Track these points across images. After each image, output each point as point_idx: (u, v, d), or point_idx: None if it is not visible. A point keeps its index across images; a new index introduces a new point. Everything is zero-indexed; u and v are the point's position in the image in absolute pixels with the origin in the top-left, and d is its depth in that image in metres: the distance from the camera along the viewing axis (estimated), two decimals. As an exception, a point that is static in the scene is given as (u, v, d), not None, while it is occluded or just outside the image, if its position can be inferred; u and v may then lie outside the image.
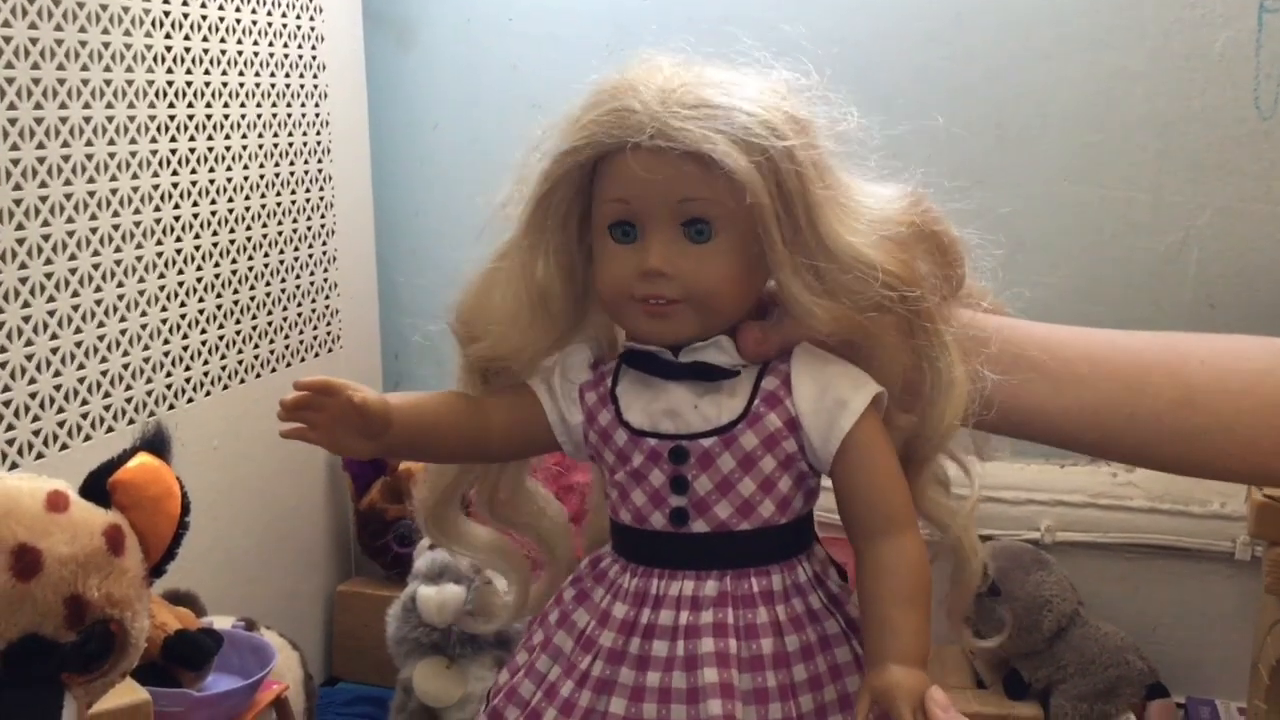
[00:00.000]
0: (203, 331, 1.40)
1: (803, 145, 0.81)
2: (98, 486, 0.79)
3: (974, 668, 1.61)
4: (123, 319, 1.26)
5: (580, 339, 0.90)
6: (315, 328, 1.65)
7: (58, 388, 1.17)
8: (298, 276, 1.60)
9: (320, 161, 1.65)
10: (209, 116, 1.39)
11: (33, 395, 1.14)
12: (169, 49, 1.32)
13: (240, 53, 1.45)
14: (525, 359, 0.88)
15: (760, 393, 0.86)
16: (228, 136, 1.43)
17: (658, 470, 0.86)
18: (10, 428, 1.11)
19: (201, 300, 1.39)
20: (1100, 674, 1.51)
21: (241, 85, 1.45)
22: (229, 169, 1.43)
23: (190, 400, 1.38)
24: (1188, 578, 1.63)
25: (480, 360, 0.88)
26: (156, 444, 0.83)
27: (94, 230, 1.21)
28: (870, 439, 0.87)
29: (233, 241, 1.45)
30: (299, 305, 1.61)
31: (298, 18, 1.57)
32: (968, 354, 0.85)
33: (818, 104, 0.81)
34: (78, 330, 1.19)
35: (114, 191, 1.24)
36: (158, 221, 1.31)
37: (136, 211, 1.27)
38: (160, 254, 1.31)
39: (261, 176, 1.50)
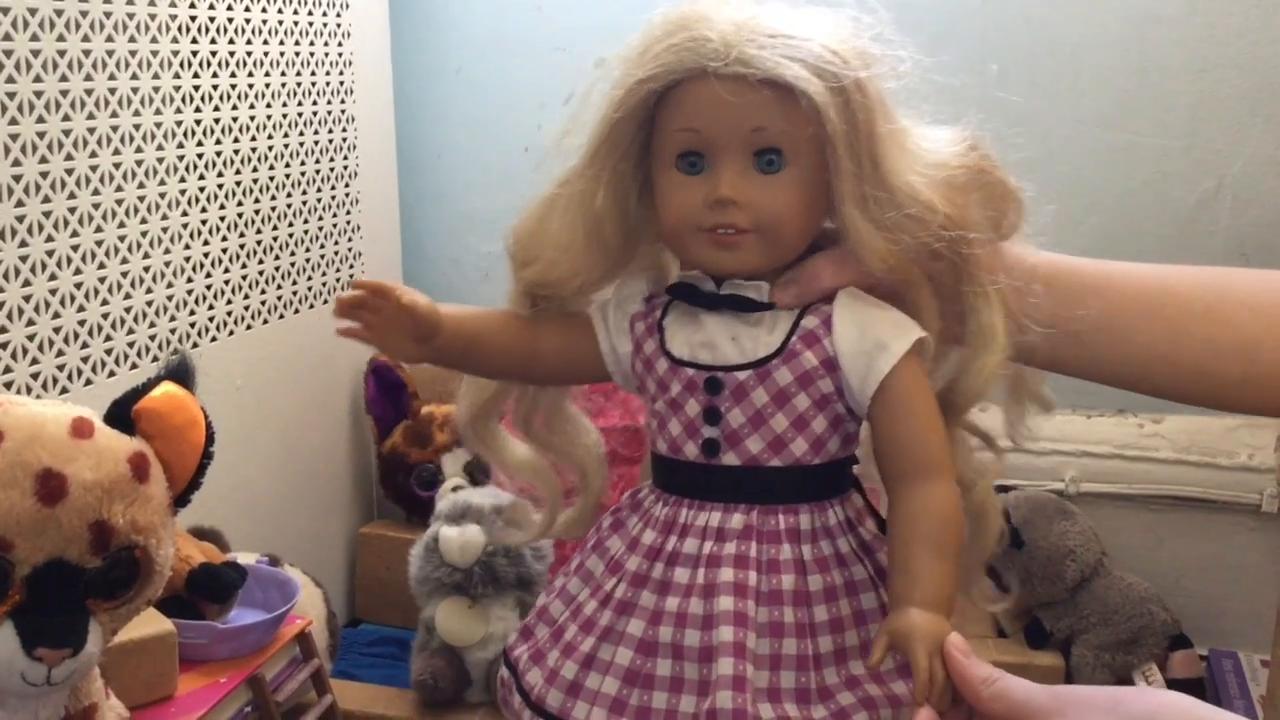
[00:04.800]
0: (225, 270, 1.39)
1: (871, 79, 0.81)
2: (122, 415, 0.79)
3: (995, 616, 1.61)
4: (146, 255, 1.25)
5: (635, 272, 0.91)
6: (338, 269, 1.65)
7: (81, 323, 1.17)
8: (320, 218, 1.59)
9: (343, 102, 1.63)
10: (232, 54, 1.38)
11: (56, 330, 1.14)
12: (192, -17, 1.31)
13: (263, -11, 1.44)
14: (574, 287, 0.88)
15: (799, 330, 0.86)
16: (250, 74, 1.42)
17: (693, 400, 0.87)
18: (35, 361, 1.11)
19: (224, 239, 1.39)
20: (1123, 624, 1.50)
21: (265, 22, 1.44)
22: (252, 107, 1.42)
23: (214, 339, 1.38)
24: (1213, 529, 1.62)
25: (532, 284, 0.88)
26: (181, 374, 0.83)
27: (117, 165, 1.21)
28: (909, 384, 0.86)
29: (255, 180, 1.44)
30: (321, 247, 1.60)
31: (321, -45, 1.56)
32: (1013, 304, 0.84)
33: (880, 44, 0.81)
34: (101, 266, 1.19)
35: (137, 127, 1.23)
36: (180, 158, 1.30)
37: (160, 148, 1.27)
38: (183, 191, 1.31)
39: (284, 115, 1.49)
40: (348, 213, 1.67)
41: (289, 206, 1.51)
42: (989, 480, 0.89)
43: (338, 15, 1.61)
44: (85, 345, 1.17)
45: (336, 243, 1.64)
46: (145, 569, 0.77)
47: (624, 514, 0.90)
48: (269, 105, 1.46)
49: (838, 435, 0.88)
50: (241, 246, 1.42)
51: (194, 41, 1.31)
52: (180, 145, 1.30)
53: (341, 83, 1.63)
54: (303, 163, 1.54)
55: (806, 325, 0.87)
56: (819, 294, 0.87)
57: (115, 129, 1.20)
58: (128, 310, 1.23)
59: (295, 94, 1.51)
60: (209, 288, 1.36)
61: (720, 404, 0.86)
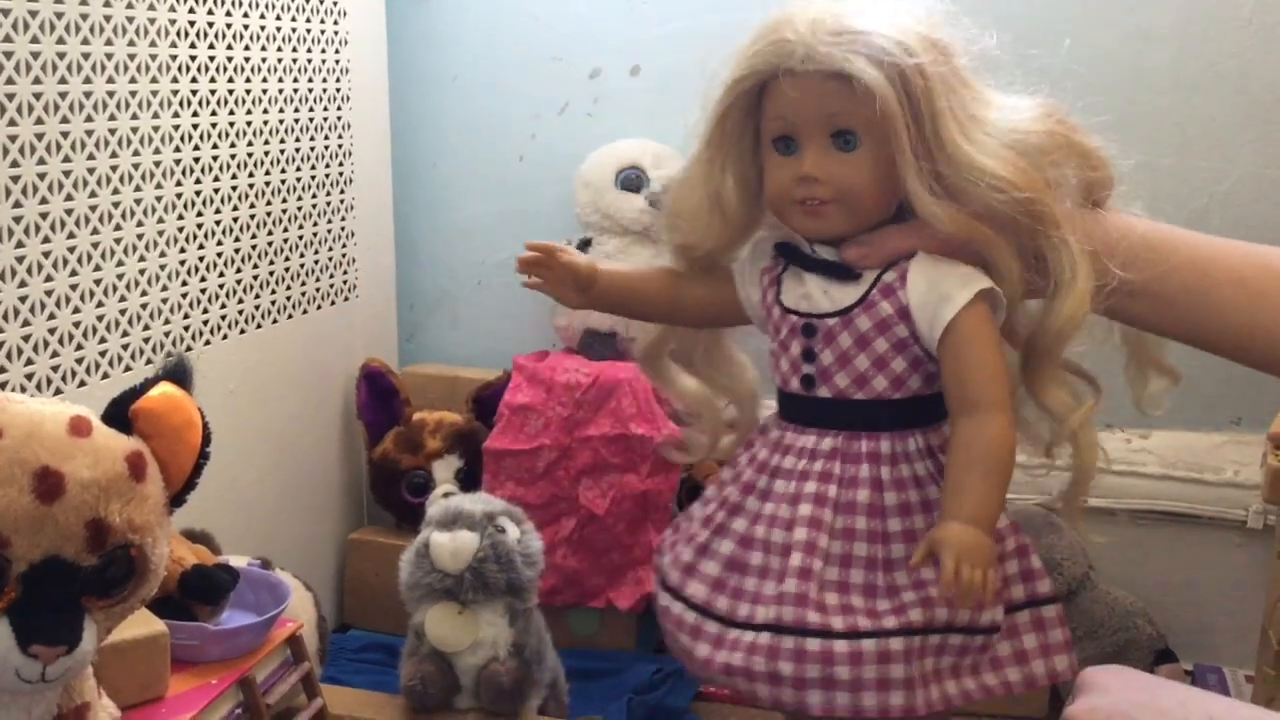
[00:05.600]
0: (220, 275, 1.40)
1: (932, 62, 0.94)
2: (120, 414, 0.79)
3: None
4: (141, 259, 1.26)
5: (767, 232, 1.07)
6: (332, 275, 1.65)
7: (76, 324, 1.17)
8: (315, 224, 1.60)
9: (340, 109, 1.64)
10: (230, 58, 1.39)
11: (51, 331, 1.14)
12: (191, -12, 1.31)
13: (262, -5, 1.44)
14: (706, 249, 1.07)
15: (879, 284, 1.01)
16: (248, 79, 1.42)
17: (795, 342, 1.04)
18: (29, 362, 1.11)
19: (220, 243, 1.39)
20: (1109, 638, 1.51)
21: (262, 29, 1.45)
22: (249, 111, 1.43)
23: (207, 343, 1.38)
24: (1199, 545, 1.63)
25: (674, 246, 1.09)
26: (179, 375, 0.83)
27: (114, 168, 1.21)
28: (970, 329, 0.99)
29: (251, 185, 1.44)
30: (316, 253, 1.60)
31: (320, -38, 1.56)
32: (1095, 257, 0.95)
33: (955, 27, 0.94)
34: (97, 268, 1.19)
35: (134, 130, 1.24)
36: (177, 162, 1.31)
37: (156, 151, 1.27)
38: (179, 195, 1.31)
39: (280, 121, 1.50)
40: (343, 219, 1.67)
41: (284, 212, 1.52)
42: (1081, 415, 1.01)
43: (335, 23, 1.61)
44: (80, 347, 1.18)
45: (331, 249, 1.64)
46: (141, 568, 0.77)
47: (754, 437, 1.10)
48: (265, 111, 1.46)
49: (918, 374, 1.03)
50: (236, 251, 1.42)
51: (192, 47, 1.32)
52: (177, 149, 1.30)
53: (338, 90, 1.63)
54: (298, 169, 1.54)
55: (886, 280, 1.01)
56: (887, 254, 1.00)
57: (113, 132, 1.21)
58: (123, 313, 1.23)
59: (292, 100, 1.52)
60: (204, 292, 1.37)
61: (814, 346, 1.03)
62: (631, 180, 1.66)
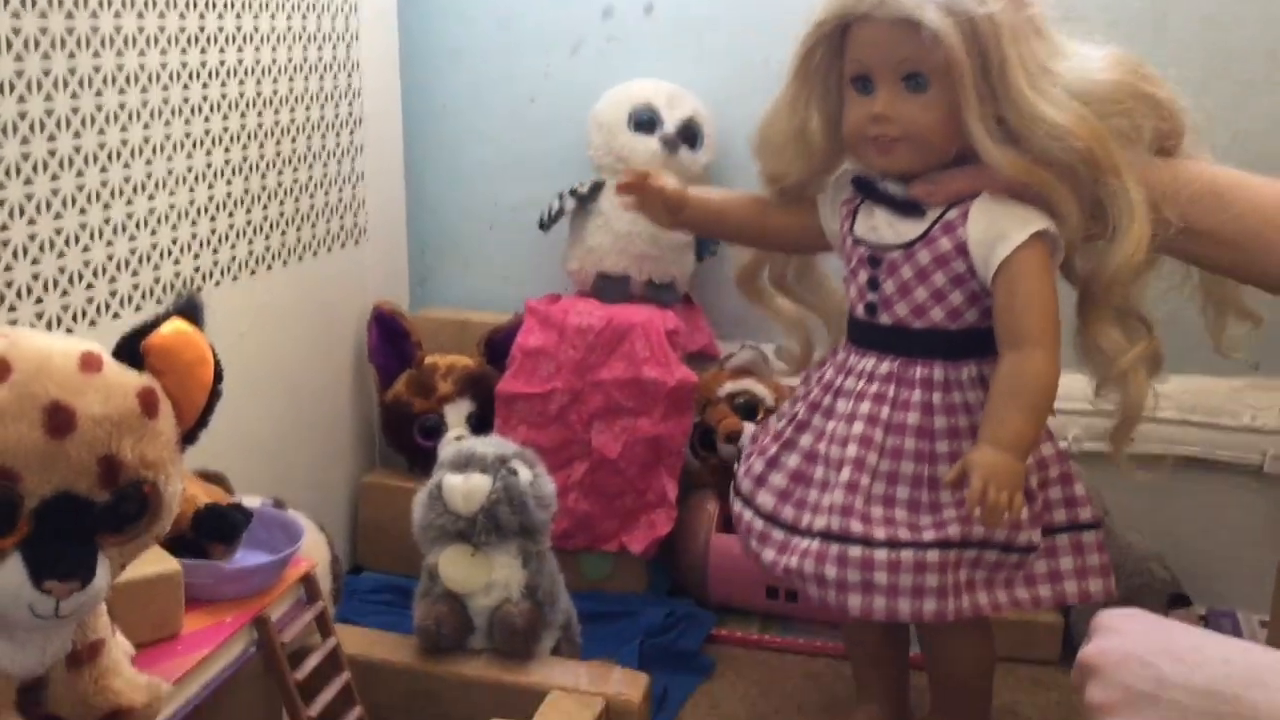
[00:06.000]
0: (230, 215, 1.38)
1: (1004, 11, 0.99)
2: (131, 350, 0.78)
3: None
4: (150, 198, 1.24)
5: (849, 166, 1.15)
6: (342, 217, 1.64)
7: (86, 264, 1.16)
8: (324, 165, 1.58)
9: (349, 47, 1.62)
10: (238, -6, 1.37)
11: (61, 270, 1.13)
12: (198, -78, 1.29)
13: (270, -70, 1.42)
14: (792, 180, 1.16)
15: (941, 221, 1.07)
16: (256, 16, 1.40)
17: (862, 271, 1.12)
18: (39, 301, 1.11)
19: (229, 183, 1.38)
20: (1123, 582, 1.50)
21: (271, -36, 1.42)
22: (257, 49, 1.41)
23: (218, 284, 1.37)
24: (1215, 490, 1.62)
25: (763, 176, 1.19)
26: (190, 312, 0.82)
27: (122, 105, 1.19)
28: (1023, 267, 1.05)
29: (260, 125, 1.43)
30: (325, 194, 1.59)
31: (328, -103, 1.53)
32: (1154, 203, 1.00)
33: None
34: (106, 206, 1.18)
35: (142, 67, 1.22)
36: (185, 100, 1.29)
37: (164, 88, 1.25)
38: (188, 134, 1.30)
39: (289, 60, 1.48)
40: (352, 160, 1.65)
41: (293, 153, 1.50)
42: (1133, 355, 1.08)
43: (344, -41, 1.59)
44: (90, 286, 1.17)
45: (340, 190, 1.63)
46: (154, 504, 0.76)
47: (827, 357, 1.21)
48: (274, 49, 1.44)
49: (975, 309, 1.10)
50: (245, 192, 1.41)
51: (200, -19, 1.30)
52: (185, 87, 1.29)
53: (347, 28, 1.61)
54: (307, 108, 1.52)
55: (948, 217, 1.07)
56: (952, 193, 1.06)
57: (120, 69, 1.19)
58: (132, 252, 1.22)
59: (300, 38, 1.50)
60: (213, 232, 1.36)
61: (879, 275, 1.10)
62: (645, 121, 1.64)
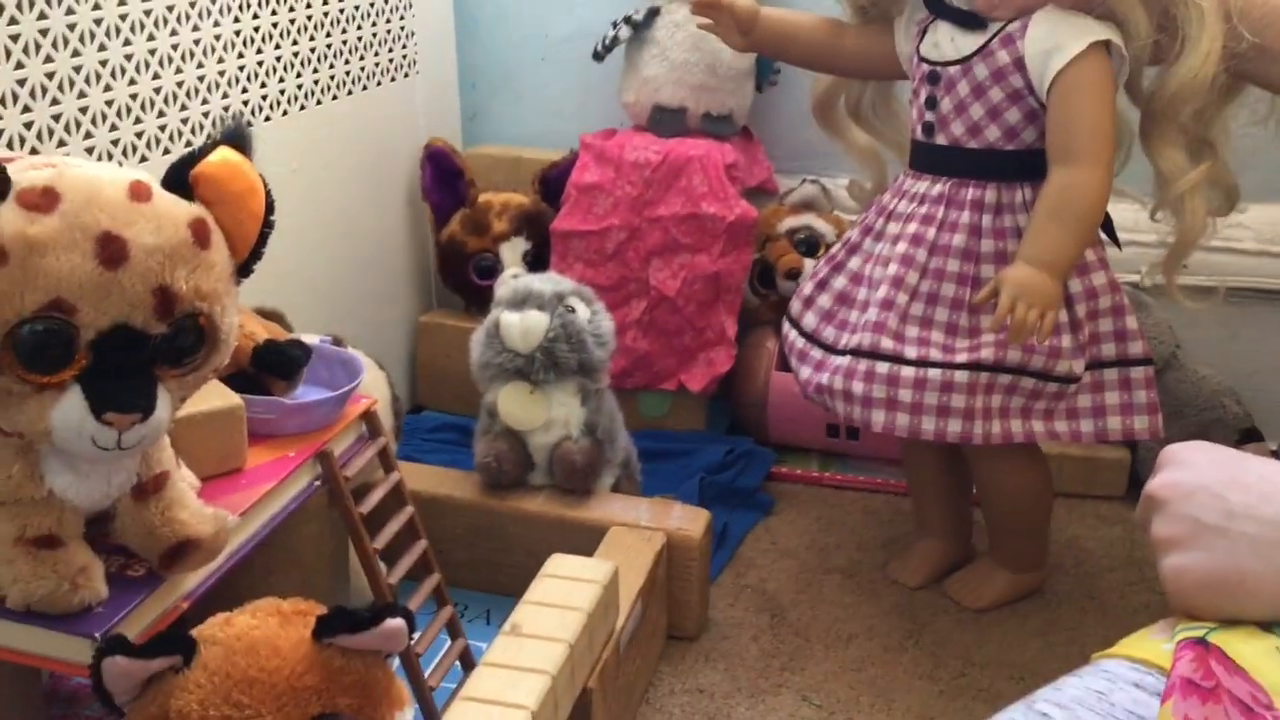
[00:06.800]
0: (277, 47, 1.34)
1: None
2: (180, 180, 0.76)
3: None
4: (195, 28, 1.21)
5: None
6: (391, 50, 1.59)
7: (134, 96, 1.13)
8: (372, -6, 1.53)
9: None
10: None
11: (109, 103, 1.10)
12: None
13: None
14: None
15: (1001, 34, 1.06)
16: None
17: (923, 89, 1.13)
18: (88, 135, 1.08)
19: (274, 13, 1.33)
20: (1194, 417, 1.48)
21: None
22: None
23: (267, 119, 1.34)
24: (1292, 324, 1.58)
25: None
26: (238, 140, 0.79)
27: (161, -70, 1.15)
28: (1079, 81, 1.02)
29: (304, -48, 1.38)
30: (374, 25, 1.54)
31: None
32: (1228, 18, 0.98)
33: None
34: (151, 38, 1.15)
35: (180, -111, 1.17)
36: (226, -75, 1.24)
37: (204, -88, 1.21)
38: (230, -39, 1.25)
39: (332, -118, 1.41)
40: (400, -10, 1.60)
41: (339, -18, 1.45)
42: (1191, 178, 1.06)
43: None
44: (138, 120, 1.14)
45: (389, 21, 1.58)
46: (211, 336, 0.75)
47: (888, 184, 1.21)
48: None
49: (1033, 127, 1.08)
50: (292, 22, 1.37)
51: None
52: (225, -90, 1.24)
53: None
54: (352, -66, 1.47)
55: (1008, 30, 1.06)
56: (1018, 5, 1.05)
57: (157, -110, 1.14)
58: (180, 85, 1.19)
59: None
60: (260, 65, 1.32)
61: (937, 93, 1.10)
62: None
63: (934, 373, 1.10)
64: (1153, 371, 1.15)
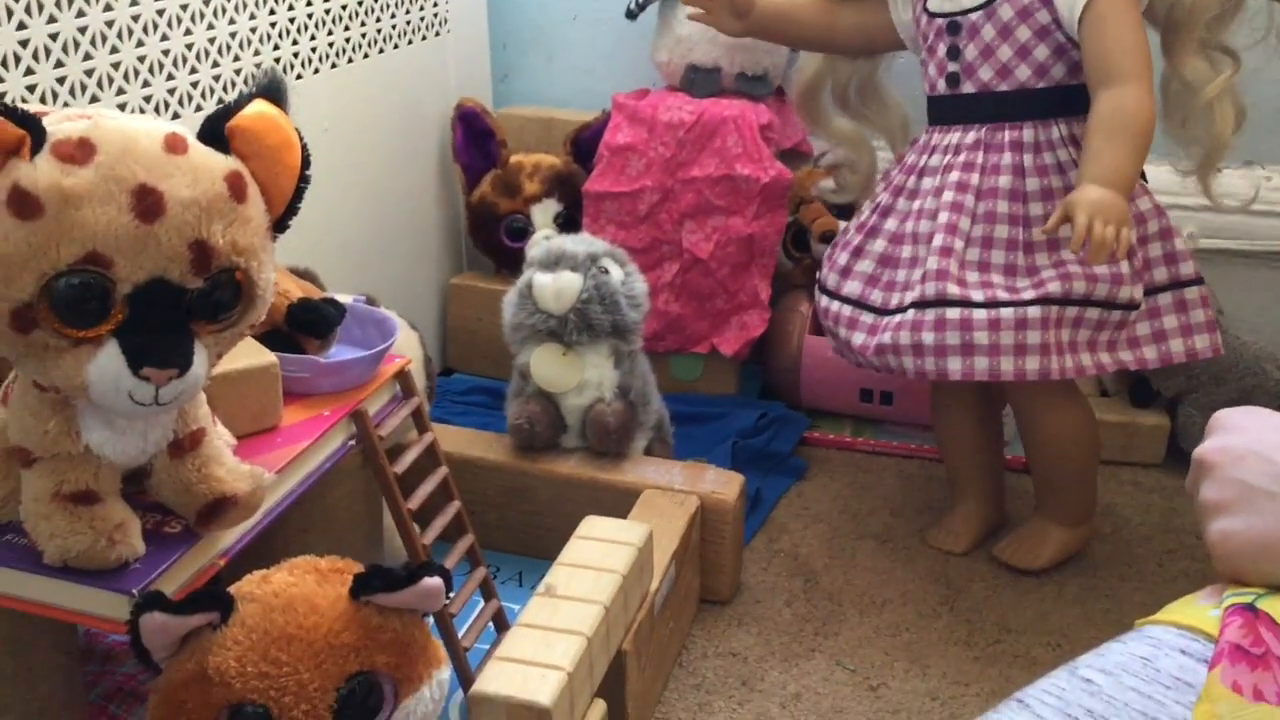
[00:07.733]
0: (309, 4, 1.33)
1: None
2: (215, 133, 0.75)
3: (1099, 376, 1.56)
4: (227, -16, 1.20)
5: None
6: (422, 8, 1.58)
7: (166, 52, 1.12)
8: (403, -48, 1.51)
9: None
10: None
11: (141, 59, 1.10)
12: None
13: None
14: None
15: None
16: None
17: (941, 44, 1.13)
18: (121, 91, 1.08)
19: (306, -31, 1.32)
20: (1235, 383, 1.45)
21: None
22: None
23: (299, 77, 1.33)
24: (1336, 289, 1.55)
25: None
26: (274, 93, 0.78)
27: (193, -117, 1.14)
28: (1109, 7, 1.04)
29: (336, -93, 1.36)
30: (405, -17, 1.53)
31: None
32: None
33: None
34: (182, -7, 1.14)
35: None
36: (258, -121, 1.22)
37: None
38: (262, -84, 1.24)
39: None
40: (431, -53, 1.58)
41: (370, -62, 1.44)
42: (1218, 84, 1.08)
43: None
44: (171, 77, 1.14)
45: (420, -21, 1.56)
46: (248, 292, 0.74)
47: (905, 150, 1.21)
48: None
49: (1062, 63, 1.10)
50: (324, -21, 1.35)
51: None
52: None
53: None
54: (383, -110, 1.45)
55: None
56: None
57: None
58: (211, 41, 1.18)
59: None
60: (292, 21, 1.31)
61: (959, 42, 1.11)
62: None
63: (1006, 312, 1.09)
64: (1206, 290, 1.15)
